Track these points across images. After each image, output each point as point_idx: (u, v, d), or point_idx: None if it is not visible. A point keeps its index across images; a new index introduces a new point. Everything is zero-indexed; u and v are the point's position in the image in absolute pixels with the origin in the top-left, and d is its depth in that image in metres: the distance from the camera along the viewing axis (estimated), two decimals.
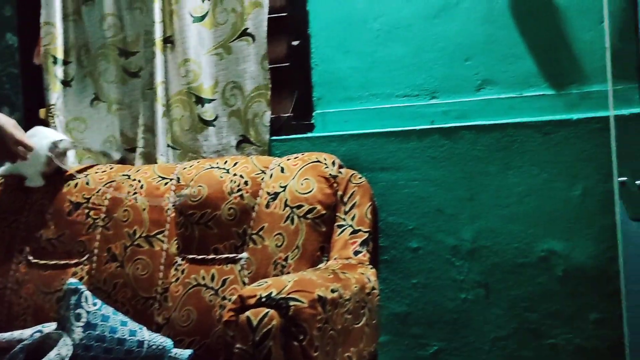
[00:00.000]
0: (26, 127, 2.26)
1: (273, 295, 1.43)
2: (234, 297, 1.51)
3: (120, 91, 2.54)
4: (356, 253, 1.92)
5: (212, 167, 2.14)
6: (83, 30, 2.58)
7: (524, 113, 2.13)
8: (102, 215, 2.18)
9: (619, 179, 1.86)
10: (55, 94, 2.57)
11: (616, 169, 1.92)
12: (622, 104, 1.85)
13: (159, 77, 2.40)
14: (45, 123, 2.56)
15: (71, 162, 2.46)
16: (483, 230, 2.16)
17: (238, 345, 1.40)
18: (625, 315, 1.90)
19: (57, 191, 2.28)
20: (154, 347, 1.80)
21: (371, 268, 1.89)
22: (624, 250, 1.88)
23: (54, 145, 2.24)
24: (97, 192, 2.23)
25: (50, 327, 1.91)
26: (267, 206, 2.00)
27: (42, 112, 2.63)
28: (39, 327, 1.93)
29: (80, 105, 2.60)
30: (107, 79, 2.55)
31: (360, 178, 2.06)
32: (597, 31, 2.07)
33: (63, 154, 2.30)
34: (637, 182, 1.61)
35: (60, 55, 2.58)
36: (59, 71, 2.58)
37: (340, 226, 1.98)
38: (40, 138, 2.24)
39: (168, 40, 2.44)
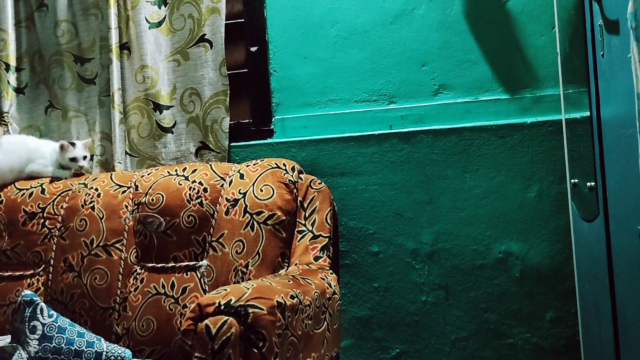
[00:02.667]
0: None
1: (232, 302, 1.43)
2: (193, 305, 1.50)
3: (76, 98, 2.50)
4: (316, 258, 1.93)
5: (170, 175, 2.12)
6: (36, 36, 2.53)
7: (479, 117, 2.17)
8: (58, 225, 2.14)
9: (572, 180, 1.91)
10: (8, 102, 2.52)
11: (569, 171, 1.97)
12: (573, 107, 1.90)
13: (115, 84, 2.37)
14: None
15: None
16: (442, 233, 2.19)
17: (197, 354, 1.39)
18: (579, 313, 1.95)
19: (11, 201, 2.23)
20: (112, 358, 1.78)
21: (332, 273, 1.90)
22: (576, 250, 1.93)
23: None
24: (53, 201, 2.19)
25: (4, 340, 1.86)
26: (227, 213, 1.99)
27: None
28: None
29: (34, 113, 2.55)
30: (62, 86, 2.50)
31: (319, 183, 2.07)
32: (549, 37, 2.13)
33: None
34: (587, 183, 1.65)
35: (13, 62, 2.53)
36: (11, 78, 2.53)
37: (300, 232, 1.98)
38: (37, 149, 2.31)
39: (124, 47, 2.41)
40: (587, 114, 1.63)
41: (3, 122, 2.51)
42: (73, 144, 2.28)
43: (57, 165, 2.29)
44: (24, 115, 2.55)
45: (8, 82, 2.52)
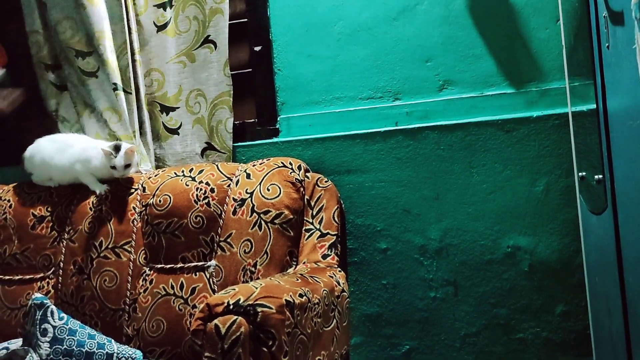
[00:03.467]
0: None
1: (241, 302, 1.43)
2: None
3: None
4: (325, 256, 1.93)
5: (177, 176, 2.13)
6: (57, 37, 2.44)
7: (485, 112, 2.17)
8: (67, 228, 2.16)
9: (579, 173, 1.90)
10: (54, 101, 2.49)
11: (576, 164, 1.96)
12: (579, 100, 1.89)
13: (142, 88, 2.38)
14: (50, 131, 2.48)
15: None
16: (450, 229, 2.19)
17: (207, 354, 1.40)
18: (589, 306, 1.94)
19: (20, 205, 2.24)
20: (123, 359, 1.79)
21: (340, 271, 1.90)
22: (585, 243, 1.92)
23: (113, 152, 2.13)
24: (62, 204, 2.20)
25: (16, 343, 1.87)
26: (234, 213, 1.99)
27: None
28: (5, 344, 1.91)
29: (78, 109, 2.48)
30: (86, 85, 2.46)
31: (326, 181, 2.07)
32: (554, 30, 2.12)
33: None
34: (595, 176, 1.64)
35: (50, 61, 2.49)
36: (52, 77, 2.49)
37: (308, 230, 1.98)
38: (84, 148, 2.22)
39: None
40: (594, 106, 1.63)
41: (54, 121, 2.48)
42: (118, 149, 2.13)
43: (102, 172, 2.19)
44: (71, 112, 2.48)
45: (50, 81, 2.48)
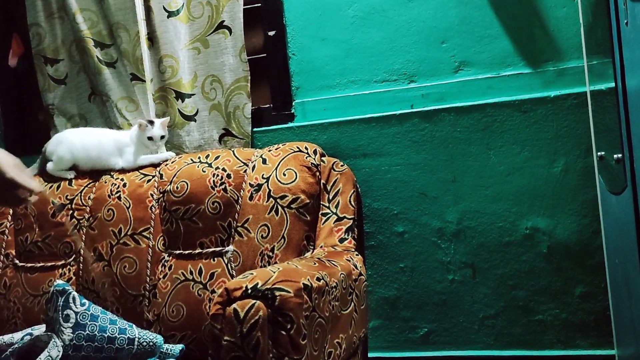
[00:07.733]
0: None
1: (259, 286, 1.44)
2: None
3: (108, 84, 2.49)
4: (342, 240, 1.93)
5: (194, 162, 2.14)
6: (71, 26, 2.51)
7: (502, 92, 2.14)
8: (87, 215, 2.18)
9: (598, 153, 1.88)
10: (52, 94, 2.55)
11: (595, 143, 1.93)
12: (598, 79, 1.86)
13: (148, 74, 2.39)
14: (45, 124, 2.56)
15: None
16: (467, 211, 2.18)
17: (226, 338, 1.41)
18: (609, 287, 1.92)
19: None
20: (144, 343, 1.81)
21: (357, 254, 1.90)
22: (605, 223, 1.90)
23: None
24: (81, 192, 2.22)
25: (40, 329, 1.91)
26: (251, 198, 2.00)
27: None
28: (28, 330, 1.94)
29: (79, 102, 2.55)
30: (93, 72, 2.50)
31: (342, 166, 2.07)
32: (571, 7, 2.08)
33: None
34: (614, 155, 1.62)
35: (50, 54, 2.55)
36: (51, 70, 2.54)
37: (324, 214, 1.99)
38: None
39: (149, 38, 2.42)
40: (612, 84, 1.60)
41: (49, 115, 2.54)
42: (152, 122, 2.25)
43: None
44: (70, 105, 2.55)
45: (48, 74, 2.54)
